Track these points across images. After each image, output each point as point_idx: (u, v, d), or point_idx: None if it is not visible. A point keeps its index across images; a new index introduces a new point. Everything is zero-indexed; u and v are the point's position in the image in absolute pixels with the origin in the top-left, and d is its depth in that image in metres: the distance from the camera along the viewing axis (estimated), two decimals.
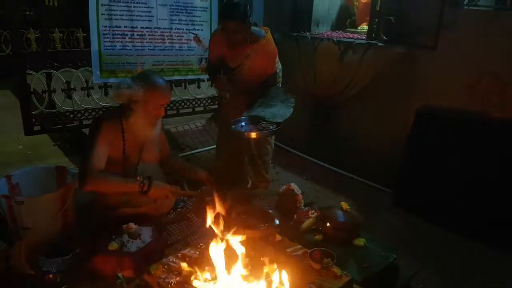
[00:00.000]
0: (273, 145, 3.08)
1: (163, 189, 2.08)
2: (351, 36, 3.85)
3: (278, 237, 1.92)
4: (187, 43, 3.68)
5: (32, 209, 2.16)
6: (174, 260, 1.68)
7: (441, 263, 2.45)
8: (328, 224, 2.21)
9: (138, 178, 2.01)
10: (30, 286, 1.92)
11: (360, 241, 2.15)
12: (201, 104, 4.17)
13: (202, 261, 1.70)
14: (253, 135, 2.48)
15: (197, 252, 1.75)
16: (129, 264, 1.79)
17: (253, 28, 2.69)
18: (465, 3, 2.87)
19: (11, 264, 2.00)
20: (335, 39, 3.62)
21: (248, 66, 2.69)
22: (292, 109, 2.57)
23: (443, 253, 2.56)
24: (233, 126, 2.53)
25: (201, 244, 1.81)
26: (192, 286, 1.54)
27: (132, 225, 2.01)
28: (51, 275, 1.94)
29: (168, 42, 3.58)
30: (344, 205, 2.39)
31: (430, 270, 2.36)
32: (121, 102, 2.13)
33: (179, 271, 1.60)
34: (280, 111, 2.56)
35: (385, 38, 3.29)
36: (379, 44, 3.32)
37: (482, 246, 2.59)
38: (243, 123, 2.57)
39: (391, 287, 2.09)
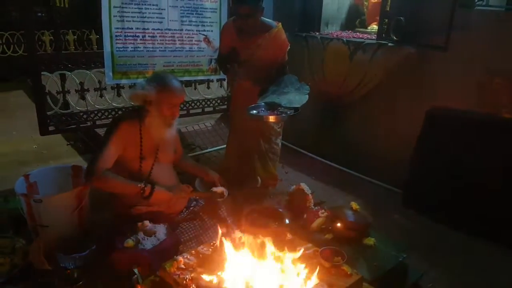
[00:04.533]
0: (280, 144, 3.11)
1: (166, 195, 2.14)
2: (360, 36, 3.85)
3: (289, 236, 1.94)
4: (197, 44, 3.73)
5: (50, 207, 2.22)
6: (188, 257, 1.72)
7: (450, 263, 2.45)
8: (338, 224, 2.24)
9: (140, 185, 2.08)
10: (48, 281, 1.98)
11: (370, 241, 2.17)
12: (211, 105, 4.21)
13: (214, 258, 1.74)
14: (272, 118, 2.49)
15: (210, 249, 1.79)
16: (145, 261, 1.84)
17: (264, 19, 2.74)
18: (476, 3, 2.86)
19: (30, 261, 2.07)
20: (344, 39, 3.64)
21: (260, 56, 2.72)
22: (307, 96, 2.58)
23: (453, 253, 2.57)
24: (251, 112, 2.53)
25: (213, 242, 1.85)
26: (205, 281, 1.58)
27: (147, 223, 2.06)
28: (68, 271, 2.01)
29: (179, 43, 3.62)
30: (354, 205, 2.41)
31: (439, 270, 2.37)
32: (136, 103, 2.18)
33: (193, 268, 1.65)
34: (296, 97, 2.58)
35: (395, 38, 3.30)
36: (389, 44, 3.33)
37: (492, 246, 2.60)
38: (261, 109, 2.58)
39: (401, 286, 2.11)
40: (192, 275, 1.61)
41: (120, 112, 3.57)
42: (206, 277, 1.61)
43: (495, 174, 2.65)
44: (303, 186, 2.76)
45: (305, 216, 2.46)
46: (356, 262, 1.96)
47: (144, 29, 3.40)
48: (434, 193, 2.91)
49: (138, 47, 3.41)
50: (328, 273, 1.67)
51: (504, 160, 2.64)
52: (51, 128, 3.30)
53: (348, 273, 1.67)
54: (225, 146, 3.41)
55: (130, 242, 1.98)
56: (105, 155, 2.08)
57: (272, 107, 2.57)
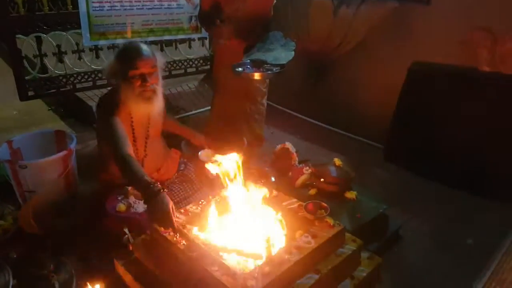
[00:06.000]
0: (265, 105, 3.11)
1: (166, 207, 1.68)
2: None
3: (274, 193, 2.00)
4: (176, 1, 3.59)
5: (36, 173, 2.23)
6: (178, 215, 1.76)
7: (429, 213, 2.57)
8: (321, 180, 2.31)
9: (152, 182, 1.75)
10: (39, 244, 2.03)
11: (352, 194, 2.26)
12: (193, 65, 4.14)
13: (203, 215, 1.80)
14: (258, 76, 2.44)
15: (199, 208, 1.85)
16: (137, 224, 1.90)
17: None
18: None
19: (20, 225, 2.10)
20: None
21: (244, 11, 2.64)
22: (293, 52, 2.54)
23: (432, 204, 2.67)
24: (236, 69, 2.47)
25: (202, 201, 1.90)
26: (194, 236, 1.64)
27: None
28: (58, 233, 2.05)
29: (157, 1, 3.49)
30: (337, 161, 2.48)
31: (419, 220, 2.49)
32: (110, 80, 2.08)
33: (183, 225, 1.70)
34: (282, 54, 2.53)
35: None
36: None
37: (470, 197, 2.70)
38: (246, 67, 2.51)
39: (381, 236, 2.22)
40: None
41: (100, 75, 3.48)
42: (195, 233, 1.67)
43: (475, 128, 2.72)
44: (288, 145, 2.82)
45: (290, 174, 2.53)
46: (339, 215, 2.04)
47: None
48: (415, 147, 3.00)
49: (115, 6, 3.27)
50: (312, 225, 1.74)
51: (483, 113, 2.71)
52: (30, 93, 3.23)
53: (331, 224, 1.73)
54: (209, 107, 3.39)
55: (121, 207, 2.01)
56: (119, 138, 1.92)
57: (258, 65, 2.53)
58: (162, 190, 1.70)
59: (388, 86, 3.22)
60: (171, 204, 1.68)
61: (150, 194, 1.67)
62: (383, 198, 2.33)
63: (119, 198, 2.07)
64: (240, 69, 2.49)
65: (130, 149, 1.91)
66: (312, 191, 2.30)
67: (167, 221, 1.64)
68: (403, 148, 3.08)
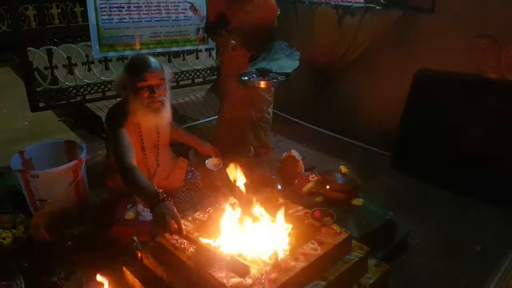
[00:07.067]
0: (271, 113, 3.15)
1: (171, 213, 1.65)
2: None
3: (281, 200, 2.02)
4: (183, 13, 3.67)
5: (47, 182, 2.27)
6: (185, 223, 1.78)
7: (436, 219, 2.56)
8: (327, 187, 2.32)
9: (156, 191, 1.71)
10: (50, 253, 2.06)
11: (359, 201, 2.26)
12: (200, 75, 4.20)
13: (210, 223, 1.81)
14: (264, 84, 2.48)
15: (206, 216, 1.87)
16: (146, 232, 1.92)
17: None
18: None
19: (31, 234, 2.13)
20: (333, 3, 3.60)
21: (250, 22, 2.70)
22: (298, 62, 2.59)
23: (439, 211, 2.66)
24: (242, 78, 2.52)
25: (209, 208, 1.92)
26: (201, 243, 1.66)
27: None
28: (69, 242, 2.08)
29: (165, 13, 3.57)
30: (343, 168, 2.49)
31: (426, 227, 2.47)
32: (120, 92, 2.09)
33: (190, 233, 1.72)
34: (286, 63, 2.58)
35: (382, 1, 3.28)
36: (377, 7, 3.31)
37: (478, 204, 2.67)
38: (252, 76, 2.56)
39: (389, 243, 2.21)
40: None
41: (109, 86, 3.55)
42: (202, 240, 1.69)
43: (481, 134, 2.72)
44: (294, 153, 2.83)
45: (296, 181, 2.54)
46: (345, 222, 2.04)
47: None
48: (422, 153, 2.99)
49: (124, 18, 3.36)
50: (318, 232, 1.75)
51: (490, 120, 2.71)
52: (41, 105, 3.31)
53: (338, 231, 1.74)
54: (216, 116, 3.43)
55: (130, 215, 2.04)
56: (124, 149, 1.92)
57: (263, 74, 2.57)
58: (167, 199, 1.68)
59: (394, 94, 3.22)
60: (175, 211, 1.67)
61: (154, 202, 1.67)
62: (390, 205, 2.33)
63: (128, 206, 2.10)
64: (246, 77, 2.54)
65: (134, 160, 1.91)
66: (319, 199, 2.30)
67: (171, 228, 1.63)
68: (409, 154, 3.08)
